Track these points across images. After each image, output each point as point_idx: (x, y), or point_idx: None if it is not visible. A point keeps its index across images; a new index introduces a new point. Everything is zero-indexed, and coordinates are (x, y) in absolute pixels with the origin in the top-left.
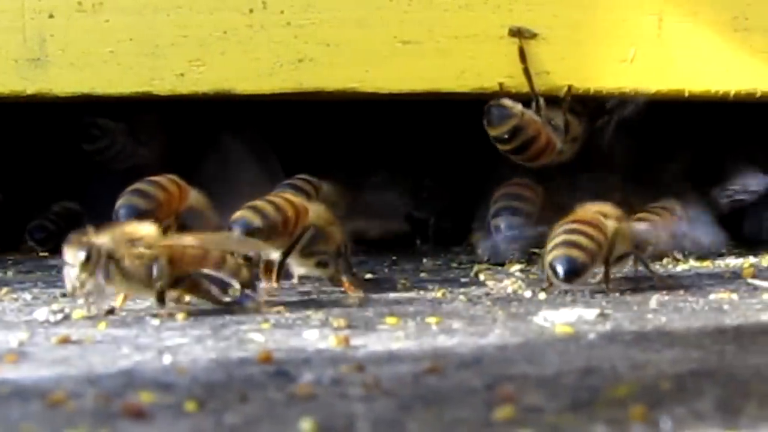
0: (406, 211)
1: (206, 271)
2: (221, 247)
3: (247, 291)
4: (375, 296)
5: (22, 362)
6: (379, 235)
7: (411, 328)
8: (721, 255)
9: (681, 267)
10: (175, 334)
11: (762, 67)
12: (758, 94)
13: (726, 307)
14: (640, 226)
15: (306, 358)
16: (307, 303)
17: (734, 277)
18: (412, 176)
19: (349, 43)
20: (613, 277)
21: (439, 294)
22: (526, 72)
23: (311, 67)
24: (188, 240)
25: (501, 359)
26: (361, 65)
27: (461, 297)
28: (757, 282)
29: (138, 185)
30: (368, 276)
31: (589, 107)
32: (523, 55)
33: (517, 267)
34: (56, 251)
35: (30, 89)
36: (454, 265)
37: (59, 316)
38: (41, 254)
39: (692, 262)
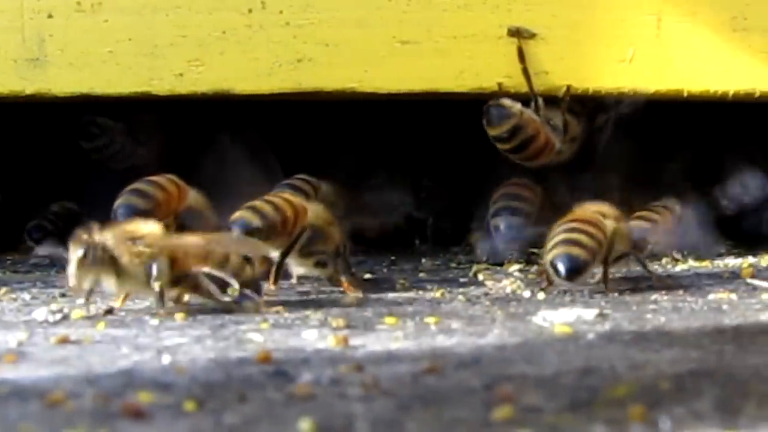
0: (406, 211)
1: (207, 270)
2: (222, 247)
3: (246, 291)
4: (374, 296)
5: (20, 362)
6: (377, 232)
7: (410, 328)
8: (720, 255)
9: (680, 267)
10: (174, 334)
11: (761, 67)
12: (757, 94)
13: (725, 307)
14: (639, 225)
15: (305, 358)
16: (306, 303)
17: (733, 277)
18: (411, 176)
19: (348, 43)
20: (611, 277)
21: (437, 294)
22: (525, 72)
23: (310, 67)
24: (189, 239)
25: (500, 359)
26: (360, 65)
27: (460, 297)
28: (756, 282)
29: (137, 185)
30: (367, 276)
31: (588, 107)
32: (521, 55)
33: (516, 267)
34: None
35: (29, 89)
36: (453, 265)
37: (58, 316)
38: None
39: (691, 262)
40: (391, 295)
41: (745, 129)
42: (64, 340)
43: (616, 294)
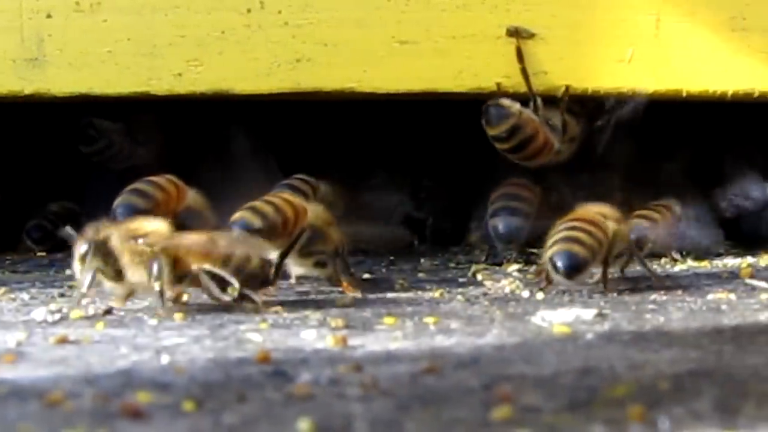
0: (405, 212)
1: (208, 268)
2: (224, 245)
3: (246, 290)
4: (373, 296)
5: (19, 362)
6: (377, 244)
7: (409, 328)
8: (719, 255)
9: (679, 267)
10: (173, 334)
11: (760, 67)
12: (756, 94)
13: (724, 307)
14: (639, 225)
15: (304, 358)
16: (305, 303)
17: (732, 277)
18: (411, 176)
19: (346, 43)
20: (611, 277)
21: (436, 294)
22: (524, 72)
23: (309, 67)
24: (191, 238)
25: (499, 359)
26: (359, 65)
27: (459, 297)
28: (755, 282)
29: (136, 185)
30: (366, 276)
31: (587, 107)
32: (520, 55)
33: (514, 267)
34: (53, 251)
35: (28, 89)
36: (452, 265)
37: (57, 316)
38: (39, 254)
39: (690, 262)
40: (390, 295)
41: (744, 129)
42: (63, 340)
43: (615, 294)
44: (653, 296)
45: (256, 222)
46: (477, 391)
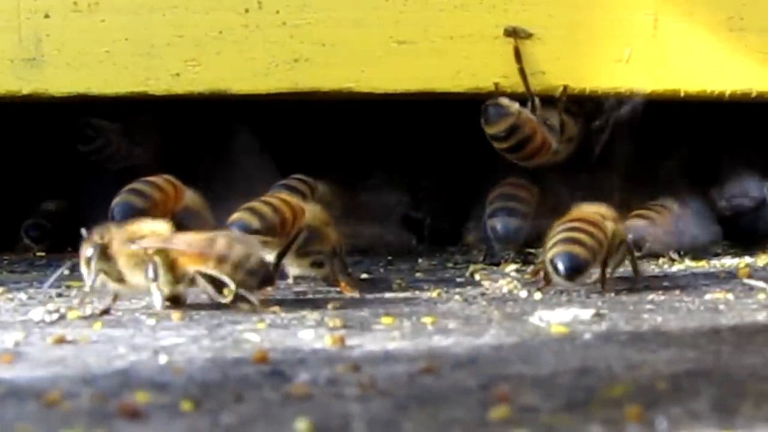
0: (403, 212)
1: (204, 269)
2: (222, 246)
3: (242, 291)
4: (370, 296)
5: (17, 362)
6: (375, 244)
7: (406, 328)
8: (716, 255)
9: (677, 267)
10: (170, 333)
11: (757, 67)
12: (754, 94)
13: (722, 307)
14: (637, 224)
15: (301, 358)
16: (302, 303)
17: (730, 277)
18: (409, 176)
19: (344, 43)
20: (608, 277)
21: (434, 294)
22: (522, 72)
23: (307, 67)
24: (188, 238)
25: (496, 359)
26: (357, 65)
27: (457, 297)
28: (752, 282)
29: (134, 185)
30: (364, 276)
31: (585, 107)
32: (518, 55)
33: (512, 267)
34: (52, 250)
35: (26, 89)
36: (450, 265)
37: (55, 316)
38: (37, 253)
39: (688, 262)
40: (387, 295)
41: (741, 128)
42: (61, 340)
43: (612, 294)
44: (651, 296)
45: (255, 223)
46: (475, 391)
